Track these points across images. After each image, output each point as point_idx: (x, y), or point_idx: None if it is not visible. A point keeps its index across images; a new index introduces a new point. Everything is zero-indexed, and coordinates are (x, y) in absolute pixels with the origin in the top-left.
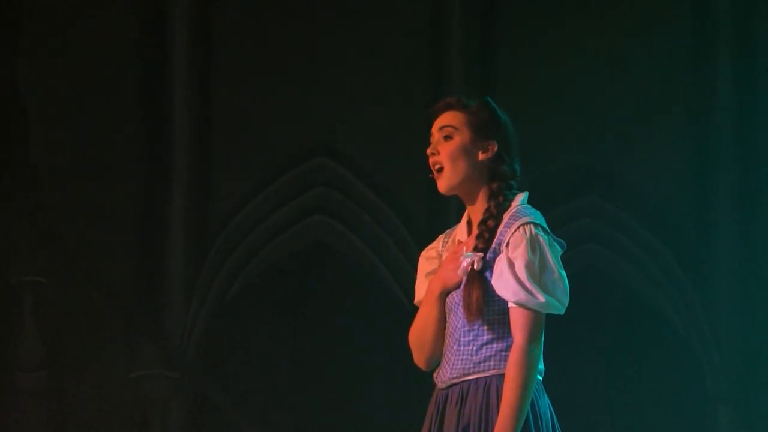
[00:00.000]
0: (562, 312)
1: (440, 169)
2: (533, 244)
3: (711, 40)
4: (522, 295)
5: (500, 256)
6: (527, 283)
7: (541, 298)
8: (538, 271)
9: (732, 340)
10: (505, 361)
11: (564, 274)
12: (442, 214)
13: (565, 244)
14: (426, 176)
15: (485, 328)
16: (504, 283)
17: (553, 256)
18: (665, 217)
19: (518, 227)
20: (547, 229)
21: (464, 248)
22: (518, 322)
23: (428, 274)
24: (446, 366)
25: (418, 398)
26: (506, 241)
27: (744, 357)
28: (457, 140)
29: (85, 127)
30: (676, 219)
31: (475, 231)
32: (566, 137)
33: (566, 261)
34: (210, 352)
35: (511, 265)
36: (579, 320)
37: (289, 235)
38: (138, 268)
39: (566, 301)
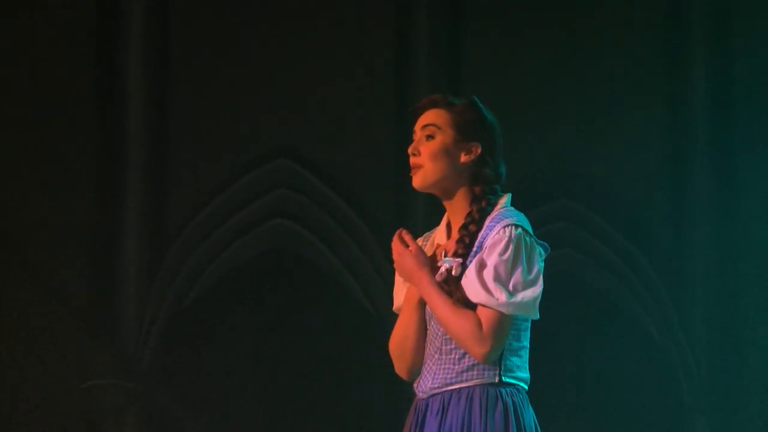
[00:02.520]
0: (533, 315)
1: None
2: (508, 245)
3: (686, 42)
4: (483, 296)
5: (476, 257)
6: (490, 284)
7: (503, 298)
8: (506, 272)
9: (707, 347)
10: (488, 370)
11: (539, 277)
12: (409, 217)
13: (549, 248)
14: (391, 178)
15: None
16: (468, 283)
17: (528, 257)
18: (640, 222)
19: (499, 229)
20: (530, 231)
21: (443, 253)
22: (482, 321)
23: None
24: (427, 375)
25: (390, 406)
26: (486, 243)
27: (719, 364)
28: (439, 140)
29: (35, 128)
30: (651, 224)
31: (455, 235)
32: (539, 140)
33: None
34: (166, 360)
35: (481, 265)
36: (552, 325)
37: (250, 238)
38: (92, 273)
39: (534, 304)
